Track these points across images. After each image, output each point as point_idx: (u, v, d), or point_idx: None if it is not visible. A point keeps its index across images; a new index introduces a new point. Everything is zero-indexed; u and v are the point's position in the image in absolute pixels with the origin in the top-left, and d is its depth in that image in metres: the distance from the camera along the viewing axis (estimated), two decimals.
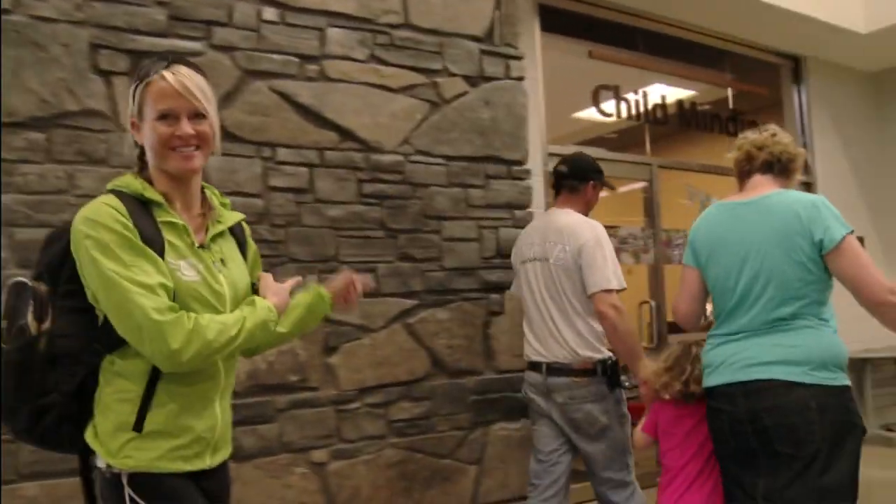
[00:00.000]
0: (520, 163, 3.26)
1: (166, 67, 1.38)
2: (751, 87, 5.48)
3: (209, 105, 1.41)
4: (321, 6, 2.80)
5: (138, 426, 1.33)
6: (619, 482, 2.64)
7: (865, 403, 5.17)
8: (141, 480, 1.33)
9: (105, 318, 1.35)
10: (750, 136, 2.21)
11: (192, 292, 1.36)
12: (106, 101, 2.42)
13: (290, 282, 1.59)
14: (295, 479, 2.62)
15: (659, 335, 4.44)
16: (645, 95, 4.80)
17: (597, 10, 4.47)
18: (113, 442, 1.33)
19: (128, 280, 1.27)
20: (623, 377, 2.73)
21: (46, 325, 1.35)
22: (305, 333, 1.50)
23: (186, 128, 1.37)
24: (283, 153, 2.70)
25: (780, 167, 2.16)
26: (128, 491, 1.32)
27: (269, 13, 2.70)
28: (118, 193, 1.37)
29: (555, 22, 4.25)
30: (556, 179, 2.85)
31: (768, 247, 2.00)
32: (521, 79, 3.29)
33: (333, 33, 2.83)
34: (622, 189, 4.51)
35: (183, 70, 1.39)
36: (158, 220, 1.38)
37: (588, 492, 2.84)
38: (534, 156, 3.56)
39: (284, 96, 2.71)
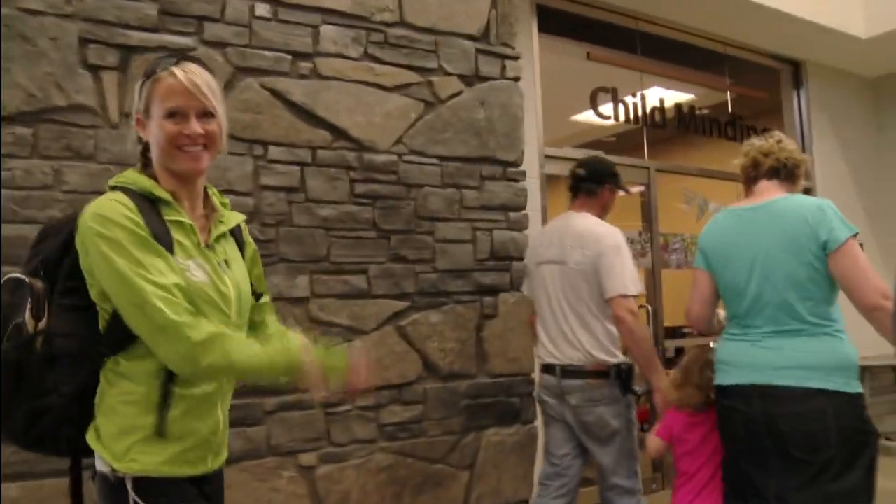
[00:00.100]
0: (515, 164, 3.22)
1: (176, 64, 1.35)
2: (750, 91, 5.47)
3: (218, 104, 1.39)
4: (315, 3, 2.76)
5: (161, 430, 1.31)
6: (627, 489, 2.67)
7: None
8: (146, 485, 1.30)
9: (111, 318, 1.31)
10: (756, 143, 2.29)
11: (201, 294, 1.33)
12: (94, 97, 2.38)
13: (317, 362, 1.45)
14: (283, 483, 2.58)
15: (656, 340, 4.41)
16: (643, 98, 4.78)
17: (595, 12, 4.45)
18: (118, 445, 1.30)
19: (145, 280, 1.24)
20: (636, 387, 2.78)
21: (43, 323, 1.31)
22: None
23: (195, 126, 1.35)
24: (274, 151, 2.66)
25: (786, 172, 2.24)
26: (132, 496, 1.29)
27: (262, 9, 2.67)
28: (125, 190, 1.33)
29: (553, 23, 4.22)
30: (573, 182, 2.88)
31: (777, 250, 2.07)
32: (517, 79, 3.25)
33: (327, 30, 2.79)
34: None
35: (192, 67, 1.37)
36: (166, 218, 1.34)
37: (592, 497, 2.82)
38: (530, 158, 3.53)
39: (276, 94, 2.67)
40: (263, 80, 2.65)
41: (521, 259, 3.18)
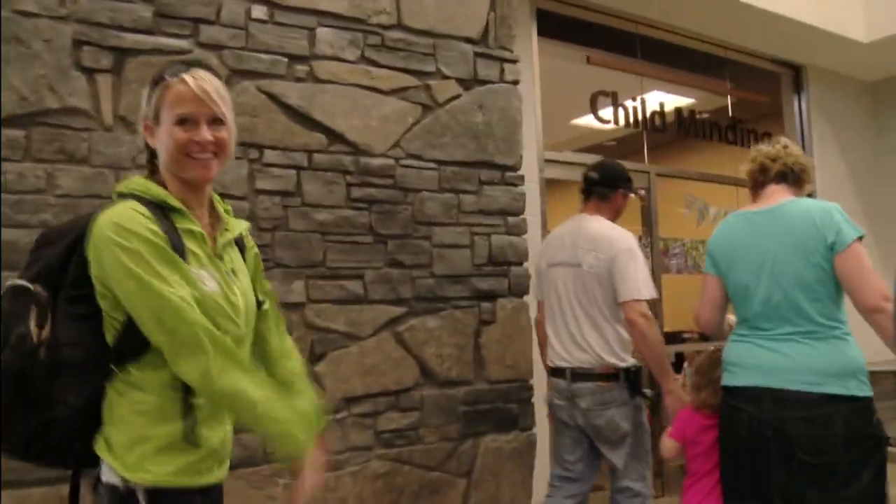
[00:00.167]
0: (514, 168, 3.20)
1: (186, 71, 1.34)
2: (751, 96, 5.46)
3: (228, 110, 1.37)
4: (311, 5, 2.74)
5: (192, 439, 1.30)
6: (636, 492, 2.69)
7: None
8: (158, 495, 1.28)
9: (123, 327, 1.28)
10: (763, 149, 2.33)
11: (214, 305, 1.31)
12: (88, 100, 2.35)
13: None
14: (279, 491, 2.54)
15: None
16: (643, 102, 4.76)
17: (595, 16, 4.43)
18: (129, 456, 1.27)
19: (167, 293, 1.23)
20: (646, 390, 2.80)
21: (46, 331, 1.28)
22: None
23: (205, 134, 1.33)
24: (270, 155, 2.63)
25: (793, 177, 2.27)
26: None
27: (258, 11, 2.64)
28: (138, 198, 1.31)
29: (552, 26, 4.20)
30: (586, 185, 2.89)
31: (786, 252, 2.11)
32: (516, 82, 3.23)
33: (323, 33, 2.77)
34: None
35: (203, 74, 1.35)
36: (178, 227, 1.32)
37: (602, 501, 2.81)
38: (529, 162, 3.51)
39: (272, 97, 2.65)
40: (259, 83, 2.63)
41: (520, 264, 3.16)
